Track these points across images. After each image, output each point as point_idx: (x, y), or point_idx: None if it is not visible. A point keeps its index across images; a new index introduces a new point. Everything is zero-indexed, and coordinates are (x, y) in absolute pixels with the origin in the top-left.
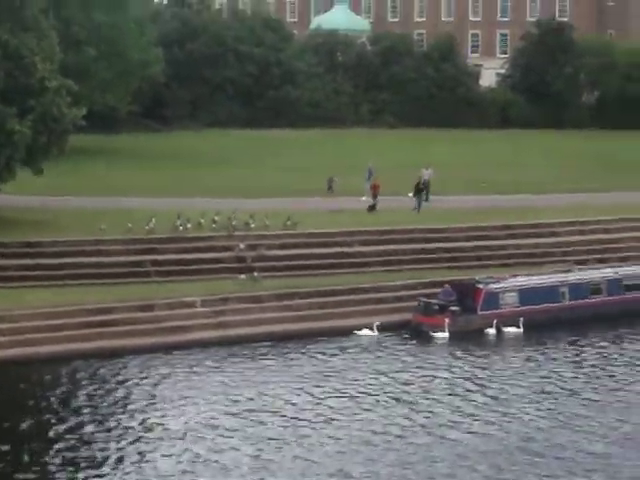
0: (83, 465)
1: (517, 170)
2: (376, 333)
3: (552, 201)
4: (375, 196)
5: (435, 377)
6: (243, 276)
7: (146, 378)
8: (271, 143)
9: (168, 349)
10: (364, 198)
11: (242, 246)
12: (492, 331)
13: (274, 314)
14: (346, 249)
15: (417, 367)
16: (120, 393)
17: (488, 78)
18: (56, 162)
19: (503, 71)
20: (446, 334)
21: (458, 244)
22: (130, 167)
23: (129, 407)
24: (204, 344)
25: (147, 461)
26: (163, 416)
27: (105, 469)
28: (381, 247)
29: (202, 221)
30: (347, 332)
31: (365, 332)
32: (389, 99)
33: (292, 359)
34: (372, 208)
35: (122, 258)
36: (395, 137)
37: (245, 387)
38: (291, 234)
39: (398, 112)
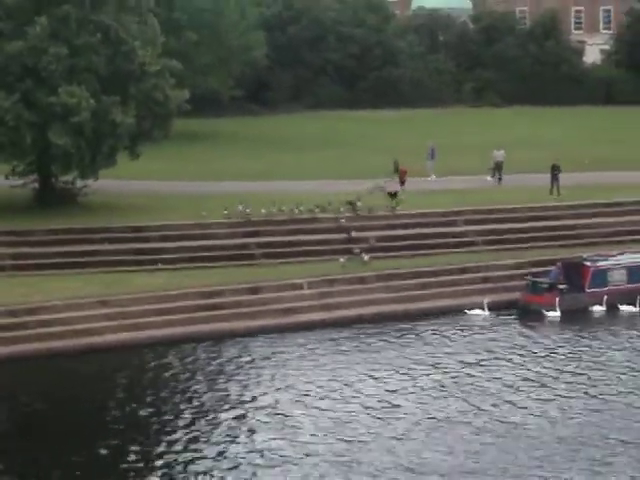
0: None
1: (622, 147)
2: (487, 312)
3: None
4: (403, 182)
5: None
6: (342, 259)
7: (268, 358)
8: (373, 124)
9: (277, 331)
10: (430, 178)
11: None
12: (601, 308)
13: (381, 294)
14: (453, 229)
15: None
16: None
17: (592, 55)
18: (160, 146)
19: (607, 47)
20: (557, 313)
21: (565, 222)
22: (233, 151)
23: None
24: (312, 326)
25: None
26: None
27: None
28: (487, 226)
29: (300, 209)
30: (456, 312)
31: (476, 311)
32: (492, 77)
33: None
34: (393, 195)
35: (227, 241)
36: (499, 115)
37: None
38: (397, 215)
39: (501, 90)
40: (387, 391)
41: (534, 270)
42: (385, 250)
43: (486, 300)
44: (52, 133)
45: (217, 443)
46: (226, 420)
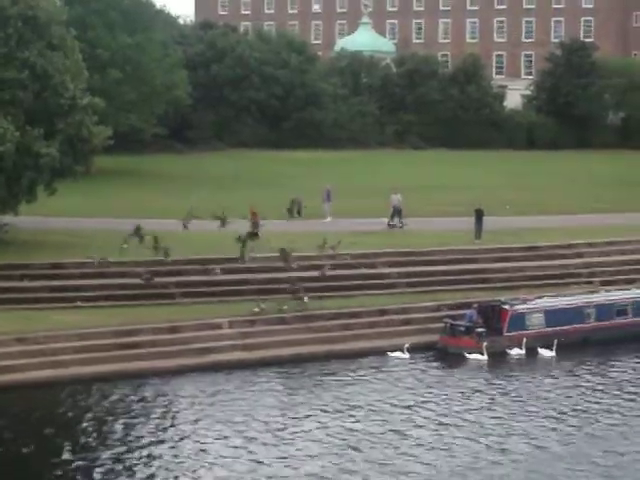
0: None
1: (541, 192)
2: (407, 355)
3: (577, 222)
4: (256, 224)
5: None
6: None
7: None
8: (293, 165)
9: (194, 370)
10: (326, 220)
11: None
12: (520, 352)
13: (300, 336)
14: (372, 270)
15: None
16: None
17: (513, 99)
18: (80, 182)
19: (528, 92)
20: (484, 357)
21: (484, 265)
22: (152, 189)
23: None
24: (231, 366)
25: None
26: None
27: None
28: (408, 268)
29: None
30: (376, 353)
31: (396, 354)
32: (414, 120)
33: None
34: (254, 235)
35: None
36: (420, 158)
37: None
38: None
39: (423, 133)
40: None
41: (451, 313)
42: (307, 290)
43: (406, 345)
44: None
45: None
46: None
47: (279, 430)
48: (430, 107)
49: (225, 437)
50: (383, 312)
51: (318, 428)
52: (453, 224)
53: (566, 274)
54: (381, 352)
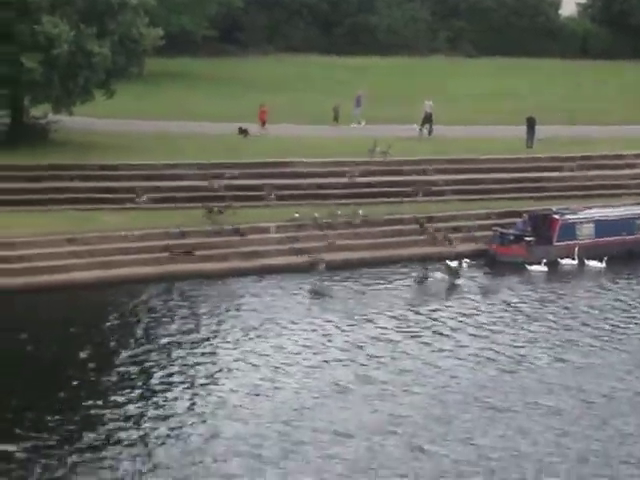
0: None
1: (595, 101)
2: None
3: (631, 132)
4: (263, 122)
5: None
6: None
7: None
8: (346, 70)
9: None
10: (360, 124)
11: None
12: (570, 262)
13: (352, 241)
14: (425, 177)
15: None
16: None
17: (568, 7)
18: (133, 84)
19: (584, 1)
20: (544, 268)
21: (535, 174)
22: (205, 92)
23: None
24: (279, 270)
25: None
26: None
27: None
28: (457, 176)
29: None
30: (423, 260)
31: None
32: (467, 27)
33: None
34: (244, 132)
35: (196, 182)
36: (472, 66)
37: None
38: (367, 162)
39: (476, 41)
40: None
41: (501, 221)
42: (355, 197)
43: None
44: (26, 58)
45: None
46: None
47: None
48: (483, 14)
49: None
50: (431, 219)
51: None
52: (506, 132)
53: (618, 185)
54: (428, 259)
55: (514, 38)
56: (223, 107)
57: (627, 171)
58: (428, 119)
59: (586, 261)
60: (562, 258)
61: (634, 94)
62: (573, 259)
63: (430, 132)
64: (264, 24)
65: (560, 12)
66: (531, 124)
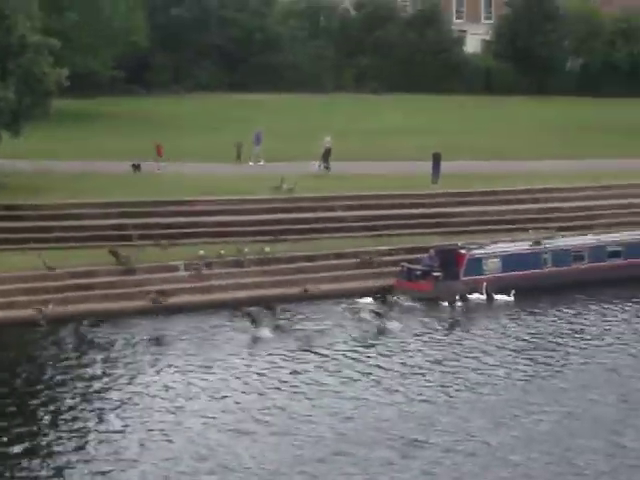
0: None
1: (499, 137)
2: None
3: (534, 167)
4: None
5: None
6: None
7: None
8: (249, 108)
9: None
10: (252, 162)
11: None
12: (480, 296)
13: (258, 279)
14: (330, 214)
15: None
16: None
17: (473, 44)
18: (39, 124)
19: (487, 37)
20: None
21: (441, 209)
22: (111, 131)
23: None
24: (189, 308)
25: None
26: None
27: None
28: (364, 212)
29: None
30: (332, 296)
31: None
32: (372, 64)
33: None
34: (137, 167)
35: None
36: (378, 103)
37: None
38: (274, 199)
39: (381, 78)
40: None
41: (408, 257)
42: (261, 234)
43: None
44: None
45: None
46: None
47: None
48: (388, 51)
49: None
50: (339, 256)
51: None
52: (411, 168)
53: (523, 219)
54: (337, 295)
55: (419, 74)
56: (125, 145)
57: (532, 205)
58: (327, 155)
59: (494, 295)
60: (470, 293)
61: (537, 130)
62: (481, 294)
63: (327, 168)
64: (171, 64)
65: (465, 48)
66: (437, 160)
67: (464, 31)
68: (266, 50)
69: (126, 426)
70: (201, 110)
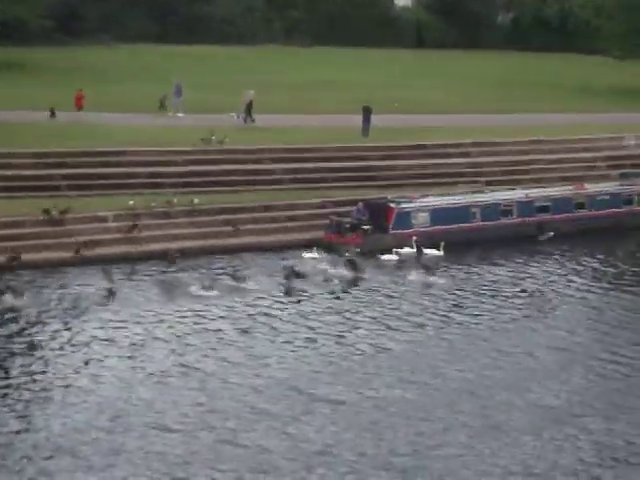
0: None
1: (429, 91)
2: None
3: (464, 121)
4: (80, 108)
5: None
6: None
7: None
8: (177, 59)
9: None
10: (171, 114)
11: None
12: (410, 250)
13: (186, 230)
14: (260, 166)
15: None
16: None
17: None
18: None
19: None
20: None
21: (371, 163)
22: (33, 80)
23: None
24: (116, 259)
25: None
26: None
27: None
28: (294, 165)
29: None
30: (262, 249)
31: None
32: (302, 17)
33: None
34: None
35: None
36: (307, 56)
37: None
38: (203, 150)
39: (311, 30)
40: None
41: (337, 210)
42: (191, 185)
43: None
44: None
45: None
46: None
47: None
48: (319, 4)
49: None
50: (268, 208)
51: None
52: (341, 121)
53: (452, 173)
54: (265, 248)
55: (350, 28)
56: (48, 95)
57: (463, 159)
58: (249, 108)
59: (424, 249)
60: (398, 247)
61: (467, 84)
62: (411, 247)
63: (253, 120)
64: (99, 13)
65: (395, 2)
66: (367, 113)
67: None
68: (196, 1)
69: None
70: (127, 61)
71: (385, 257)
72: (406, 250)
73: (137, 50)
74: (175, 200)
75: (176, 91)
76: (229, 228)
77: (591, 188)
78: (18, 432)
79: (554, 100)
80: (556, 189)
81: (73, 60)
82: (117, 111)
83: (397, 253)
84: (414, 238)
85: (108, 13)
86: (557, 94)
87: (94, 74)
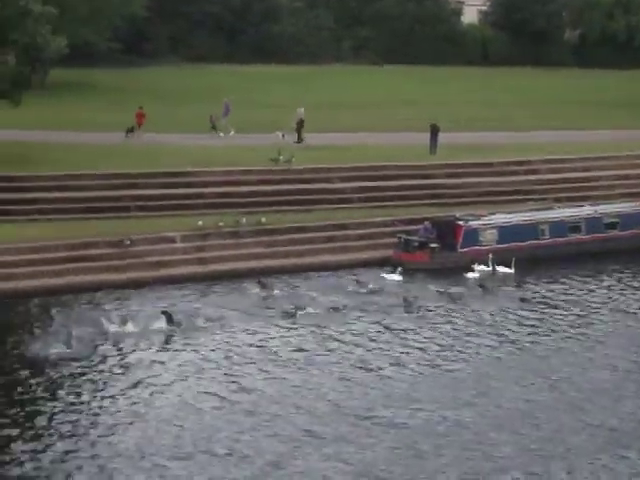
0: None
1: (497, 108)
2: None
3: (532, 138)
4: (139, 125)
5: None
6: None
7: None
8: (251, 79)
9: (147, 284)
10: (222, 134)
11: None
12: (485, 268)
13: (256, 250)
14: (327, 185)
15: None
16: None
17: (470, 15)
18: (34, 94)
19: (485, 8)
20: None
21: (438, 181)
22: (105, 102)
23: None
24: (184, 279)
25: None
26: None
27: None
28: (362, 183)
29: None
30: (332, 268)
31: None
32: (371, 35)
33: None
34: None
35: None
36: (376, 74)
37: None
38: (271, 170)
39: (379, 48)
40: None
41: (405, 228)
42: (264, 205)
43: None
44: None
45: None
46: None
47: None
48: (387, 22)
49: None
50: (338, 227)
51: None
52: (408, 139)
53: (520, 190)
54: (333, 267)
55: (418, 46)
56: (115, 117)
57: (531, 177)
58: (300, 127)
59: (496, 267)
60: (466, 264)
61: (535, 101)
62: (486, 265)
63: (301, 140)
64: (168, 34)
65: (462, 19)
66: (434, 131)
67: (461, 2)
68: (264, 21)
69: None
70: (196, 81)
71: (469, 275)
72: (482, 267)
73: (205, 70)
74: (244, 220)
75: (225, 111)
76: (298, 247)
77: None
78: None
79: (618, 117)
80: (624, 205)
81: (141, 81)
82: (180, 131)
83: (474, 271)
84: (490, 256)
85: (177, 34)
86: (619, 111)
87: (161, 94)
